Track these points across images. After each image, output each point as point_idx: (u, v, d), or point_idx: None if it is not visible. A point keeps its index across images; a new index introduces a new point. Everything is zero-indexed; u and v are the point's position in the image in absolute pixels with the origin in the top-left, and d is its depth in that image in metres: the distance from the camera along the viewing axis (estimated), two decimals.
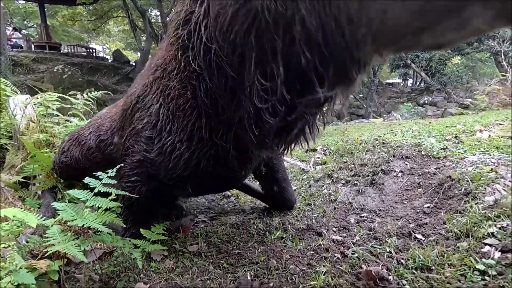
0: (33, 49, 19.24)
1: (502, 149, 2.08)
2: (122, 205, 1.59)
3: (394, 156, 2.32)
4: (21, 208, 1.76)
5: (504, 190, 1.49)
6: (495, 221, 1.30)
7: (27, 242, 1.47)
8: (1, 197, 1.86)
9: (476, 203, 1.48)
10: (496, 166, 1.81)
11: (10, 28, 19.20)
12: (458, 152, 2.15)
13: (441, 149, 2.29)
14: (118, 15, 22.83)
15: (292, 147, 1.16)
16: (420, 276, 1.12)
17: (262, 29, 0.77)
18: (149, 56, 19.23)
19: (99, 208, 1.32)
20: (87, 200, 1.32)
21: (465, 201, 1.54)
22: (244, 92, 0.92)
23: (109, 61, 21.47)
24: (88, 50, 23.05)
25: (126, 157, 1.51)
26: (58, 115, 3.39)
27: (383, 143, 2.69)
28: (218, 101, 1.04)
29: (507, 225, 1.25)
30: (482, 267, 1.08)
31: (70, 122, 3.17)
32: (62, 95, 3.04)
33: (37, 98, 3.48)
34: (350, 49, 0.68)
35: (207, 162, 1.27)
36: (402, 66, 23.07)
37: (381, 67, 22.10)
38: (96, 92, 4.10)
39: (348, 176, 2.25)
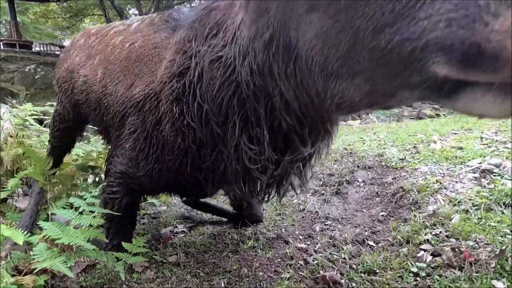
0: (2, 48, 18.45)
1: (450, 160, 2.34)
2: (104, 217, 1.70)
3: (358, 166, 2.55)
4: (4, 224, 1.84)
5: (443, 200, 1.73)
6: (431, 228, 1.53)
7: (11, 257, 1.55)
8: None
9: (419, 212, 1.71)
10: (442, 177, 2.06)
11: None
12: (413, 163, 2.40)
13: (399, 159, 2.54)
14: (94, 13, 22.27)
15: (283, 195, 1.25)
16: (366, 279, 1.33)
17: (244, 99, 0.93)
18: None
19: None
20: (73, 218, 1.43)
21: (411, 210, 1.78)
22: (228, 150, 1.05)
23: None
24: (62, 48, 22.44)
25: (110, 165, 1.59)
26: (33, 125, 3.40)
27: (350, 152, 2.92)
28: (202, 150, 1.17)
29: (440, 232, 1.47)
30: (415, 270, 1.29)
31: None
32: (38, 109, 3.05)
33: (16, 108, 3.50)
34: (320, 114, 0.86)
35: (186, 184, 1.40)
36: None
37: None
38: None
39: (317, 186, 2.45)
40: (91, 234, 1.43)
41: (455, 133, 3.25)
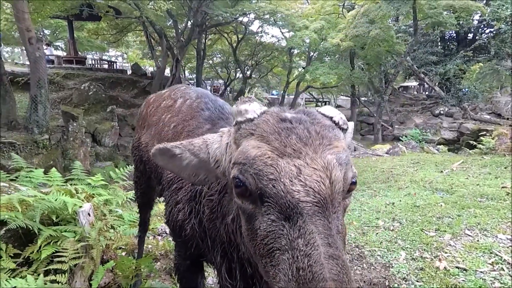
0: (62, 65, 20.48)
1: None
2: None
3: (364, 281, 2.84)
4: None
5: None
6: None
7: None
8: None
9: None
10: None
11: (45, 46, 20.27)
12: (414, 286, 2.65)
13: (402, 279, 2.79)
14: (137, 28, 23.75)
15: None
16: None
17: (223, 240, 1.23)
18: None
19: None
20: None
21: None
22: (215, 262, 1.33)
23: (128, 73, 22.60)
24: (109, 63, 24.54)
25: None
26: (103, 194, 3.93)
27: (360, 256, 3.20)
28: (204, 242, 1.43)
29: None
30: None
31: (117, 211, 3.74)
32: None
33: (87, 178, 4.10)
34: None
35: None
36: (415, 75, 22.39)
37: (395, 77, 21.95)
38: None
39: None
40: None
41: (469, 235, 3.40)
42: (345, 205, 0.93)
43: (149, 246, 3.67)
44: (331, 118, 1.01)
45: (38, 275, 2.25)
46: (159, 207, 5.10)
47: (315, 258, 0.74)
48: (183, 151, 1.10)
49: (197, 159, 1.11)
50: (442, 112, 24.75)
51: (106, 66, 24.01)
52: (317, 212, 0.79)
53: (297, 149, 0.85)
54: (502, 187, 4.96)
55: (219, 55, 32.52)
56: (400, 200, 4.90)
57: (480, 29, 22.40)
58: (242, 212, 0.94)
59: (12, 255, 2.33)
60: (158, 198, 2.84)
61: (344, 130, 1.02)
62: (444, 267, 2.85)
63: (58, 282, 2.23)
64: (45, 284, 2.17)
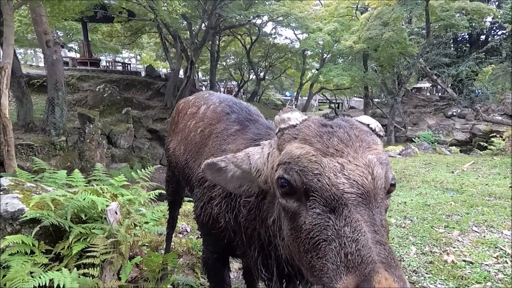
0: (77, 67, 20.96)
1: (456, 279, 2.74)
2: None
3: None
4: None
5: None
6: None
7: None
8: None
9: None
10: None
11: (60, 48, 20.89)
12: (424, 278, 2.83)
13: (413, 271, 2.97)
14: (151, 30, 24.21)
15: None
16: None
17: (261, 238, 1.25)
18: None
19: None
20: None
21: None
22: (251, 255, 1.36)
23: (142, 75, 23.09)
24: (123, 64, 25.15)
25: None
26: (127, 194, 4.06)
27: None
28: (236, 236, 1.47)
29: None
30: None
31: (140, 210, 3.88)
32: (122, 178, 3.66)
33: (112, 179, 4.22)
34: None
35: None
36: (428, 77, 22.37)
37: (408, 79, 21.83)
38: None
39: None
40: None
41: (476, 231, 3.55)
42: (386, 205, 0.93)
43: (172, 243, 3.86)
44: (368, 125, 1.06)
45: (69, 269, 2.39)
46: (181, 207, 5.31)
47: (363, 243, 0.74)
48: (227, 164, 1.17)
49: (240, 170, 1.17)
50: (454, 113, 24.47)
51: (120, 68, 24.55)
52: (361, 203, 0.82)
53: (339, 150, 0.89)
54: (510, 187, 5.06)
55: (233, 57, 32.64)
56: (411, 199, 5.04)
57: (492, 31, 22.20)
58: (286, 212, 0.96)
59: (44, 251, 2.49)
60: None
61: (380, 137, 1.06)
62: (452, 261, 3.02)
63: (90, 275, 2.38)
64: (79, 277, 2.33)
